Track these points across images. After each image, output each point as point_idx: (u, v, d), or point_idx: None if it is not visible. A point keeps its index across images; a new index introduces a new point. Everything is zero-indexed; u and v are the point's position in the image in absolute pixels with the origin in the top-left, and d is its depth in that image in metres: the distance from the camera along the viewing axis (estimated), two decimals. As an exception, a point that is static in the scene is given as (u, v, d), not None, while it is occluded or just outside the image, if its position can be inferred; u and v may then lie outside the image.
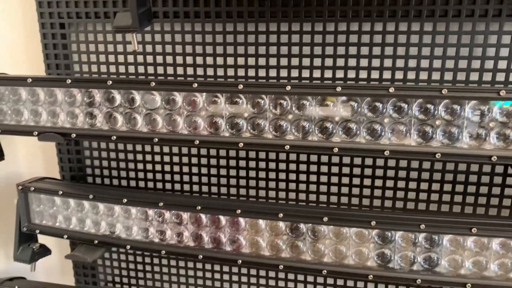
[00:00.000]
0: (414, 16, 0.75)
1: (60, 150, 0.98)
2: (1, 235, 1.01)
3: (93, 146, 0.96)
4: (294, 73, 0.82)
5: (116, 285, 1.06)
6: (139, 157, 0.94)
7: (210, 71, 0.86)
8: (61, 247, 1.03)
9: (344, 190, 0.87)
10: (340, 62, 0.80)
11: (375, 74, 0.79)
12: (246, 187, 0.91)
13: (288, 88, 0.65)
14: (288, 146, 0.67)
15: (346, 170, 0.85)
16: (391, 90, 0.62)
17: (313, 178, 0.87)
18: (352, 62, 0.79)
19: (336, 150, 0.66)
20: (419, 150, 0.64)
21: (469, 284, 0.68)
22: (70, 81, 0.73)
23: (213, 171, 0.91)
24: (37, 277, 0.99)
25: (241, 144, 0.69)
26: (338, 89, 0.64)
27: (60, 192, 0.84)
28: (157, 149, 0.93)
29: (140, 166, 0.95)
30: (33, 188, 0.86)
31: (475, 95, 0.61)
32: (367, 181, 0.85)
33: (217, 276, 0.99)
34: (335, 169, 0.86)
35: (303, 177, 0.88)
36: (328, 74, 0.81)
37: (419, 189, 0.84)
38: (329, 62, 0.80)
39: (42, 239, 0.95)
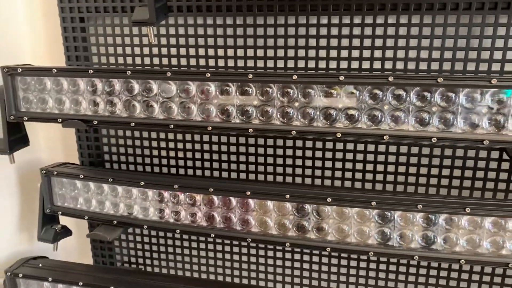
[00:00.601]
0: (414, 9, 0.79)
1: (79, 137, 1.03)
2: (25, 218, 1.07)
3: (111, 134, 1.02)
4: (301, 63, 0.87)
5: (132, 265, 1.12)
6: (154, 144, 1.00)
7: (221, 62, 0.91)
8: (80, 230, 1.10)
9: (348, 175, 0.92)
10: (344, 53, 0.85)
11: (377, 65, 0.84)
12: (255, 172, 0.96)
13: (295, 77, 0.70)
14: (295, 132, 0.73)
15: (349, 155, 0.90)
16: (391, 79, 0.67)
17: (318, 163, 0.93)
18: (355, 53, 0.84)
19: (339, 135, 0.71)
20: (416, 135, 0.68)
21: (463, 260, 0.73)
22: (92, 71, 0.78)
23: (224, 157, 0.97)
24: (58, 257, 1.06)
25: (251, 130, 0.74)
26: (341, 78, 0.69)
27: (81, 176, 0.90)
28: (171, 136, 0.98)
29: (155, 152, 1.01)
30: (55, 172, 0.92)
31: (469, 83, 0.65)
32: (369, 166, 0.90)
33: (227, 256, 1.04)
34: (339, 155, 0.91)
35: (308, 162, 0.93)
36: (332, 64, 0.86)
37: (418, 174, 0.88)
38: (333, 53, 0.85)
39: (63, 221, 1.01)
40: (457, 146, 0.84)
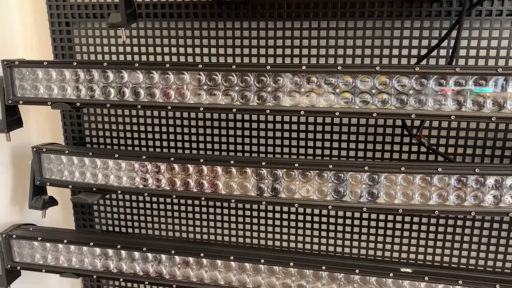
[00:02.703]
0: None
1: (64, 122, 1.23)
2: (17, 192, 1.25)
3: (91, 119, 1.22)
4: (222, 59, 1.10)
5: (109, 227, 1.32)
6: (128, 127, 1.20)
7: (182, 58, 1.12)
8: (65, 203, 1.28)
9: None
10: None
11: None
12: (205, 147, 1.17)
13: (234, 66, 0.91)
14: (235, 109, 0.93)
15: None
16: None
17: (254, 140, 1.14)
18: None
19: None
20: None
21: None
22: (75, 63, 0.98)
23: (181, 132, 1.18)
24: (44, 225, 1.24)
25: (201, 108, 0.95)
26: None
27: (66, 152, 1.09)
28: (141, 120, 1.19)
29: (128, 134, 1.21)
30: (45, 149, 1.10)
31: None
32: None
33: (189, 215, 1.25)
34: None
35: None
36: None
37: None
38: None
39: (50, 193, 1.19)
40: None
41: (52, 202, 1.18)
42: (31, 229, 1.17)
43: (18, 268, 1.17)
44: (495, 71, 0.82)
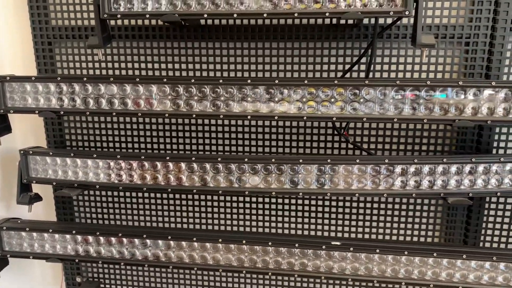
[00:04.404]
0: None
1: (47, 128, 1.40)
2: (4, 192, 1.41)
3: (71, 125, 1.40)
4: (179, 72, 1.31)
5: (87, 220, 1.49)
6: (104, 132, 1.39)
7: (150, 72, 1.33)
8: (46, 199, 1.45)
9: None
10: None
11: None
12: (171, 145, 1.37)
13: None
14: (194, 115, 1.14)
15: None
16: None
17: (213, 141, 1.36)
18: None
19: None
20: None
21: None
22: (59, 78, 1.17)
23: (149, 135, 1.38)
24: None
25: (167, 115, 1.15)
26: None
27: (51, 153, 1.27)
28: (115, 126, 1.38)
29: (104, 138, 1.40)
30: (31, 152, 1.28)
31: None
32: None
33: (159, 207, 1.44)
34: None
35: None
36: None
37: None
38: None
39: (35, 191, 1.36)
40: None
41: (38, 198, 1.35)
42: (19, 221, 1.34)
43: (8, 256, 1.33)
44: (394, 82, 1.06)
